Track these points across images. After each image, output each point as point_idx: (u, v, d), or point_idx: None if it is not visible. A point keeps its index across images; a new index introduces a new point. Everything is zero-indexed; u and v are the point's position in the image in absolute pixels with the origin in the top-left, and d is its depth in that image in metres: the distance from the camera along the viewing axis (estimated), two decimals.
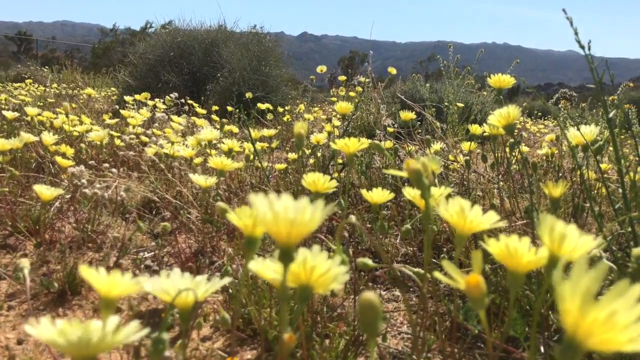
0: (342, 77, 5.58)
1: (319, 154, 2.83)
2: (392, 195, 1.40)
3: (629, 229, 1.36)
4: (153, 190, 2.41)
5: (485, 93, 6.26)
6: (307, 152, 2.85)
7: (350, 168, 1.71)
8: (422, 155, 2.79)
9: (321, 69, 5.54)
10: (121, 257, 1.84)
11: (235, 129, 3.65)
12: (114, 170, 2.29)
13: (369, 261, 0.91)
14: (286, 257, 0.62)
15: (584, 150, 1.56)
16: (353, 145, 1.40)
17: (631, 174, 1.43)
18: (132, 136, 3.15)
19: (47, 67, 14.26)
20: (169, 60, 9.12)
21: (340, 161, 2.73)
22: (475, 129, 2.26)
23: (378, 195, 1.39)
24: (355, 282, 1.41)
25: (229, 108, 5.18)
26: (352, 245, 1.96)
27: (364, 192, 1.43)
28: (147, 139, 3.14)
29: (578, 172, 2.19)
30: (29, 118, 3.60)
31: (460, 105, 4.76)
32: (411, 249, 2.00)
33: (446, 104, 4.97)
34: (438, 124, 3.21)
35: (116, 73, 10.32)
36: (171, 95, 4.99)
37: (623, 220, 1.35)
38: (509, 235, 0.70)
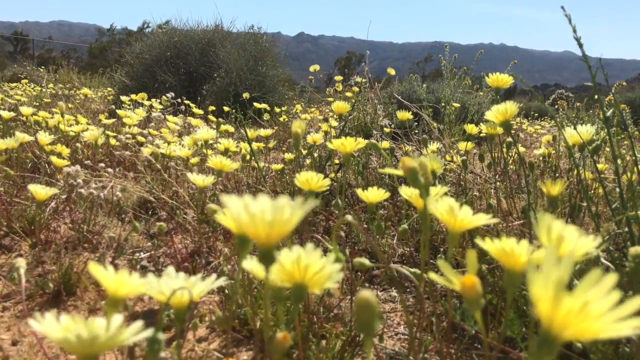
0: (339, 77, 5.58)
1: (315, 154, 2.82)
2: (388, 194, 1.39)
3: (626, 229, 1.35)
4: (149, 190, 2.41)
5: (482, 93, 6.26)
6: (304, 152, 2.85)
7: (347, 168, 1.71)
8: (419, 156, 2.79)
9: (314, 68, 5.54)
10: (117, 258, 1.83)
11: (231, 129, 3.64)
12: (110, 170, 2.29)
13: (366, 261, 0.91)
14: (267, 258, 0.60)
15: (581, 150, 1.56)
16: (350, 144, 1.40)
17: (628, 173, 1.42)
18: (129, 136, 3.14)
19: (43, 67, 14.23)
20: (165, 60, 9.11)
21: (337, 161, 2.73)
22: (471, 128, 2.26)
23: (374, 195, 1.38)
24: (351, 282, 1.41)
25: (226, 108, 5.17)
26: (348, 246, 1.95)
27: (359, 191, 1.42)
28: (143, 139, 3.13)
29: (575, 172, 2.19)
30: (24, 118, 3.59)
31: (457, 105, 4.76)
32: (408, 249, 2.00)
33: (443, 104, 4.97)
34: (435, 124, 3.21)
35: (113, 73, 10.30)
36: (167, 95, 4.98)
37: (620, 220, 1.34)
38: (507, 235, 0.70)
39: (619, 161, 1.36)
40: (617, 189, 1.35)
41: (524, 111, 12.51)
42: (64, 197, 2.11)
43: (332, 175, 2.39)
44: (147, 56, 9.31)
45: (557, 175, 2.38)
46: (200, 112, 4.83)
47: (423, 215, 0.95)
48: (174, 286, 0.71)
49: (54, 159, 2.19)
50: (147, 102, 4.77)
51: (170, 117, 3.63)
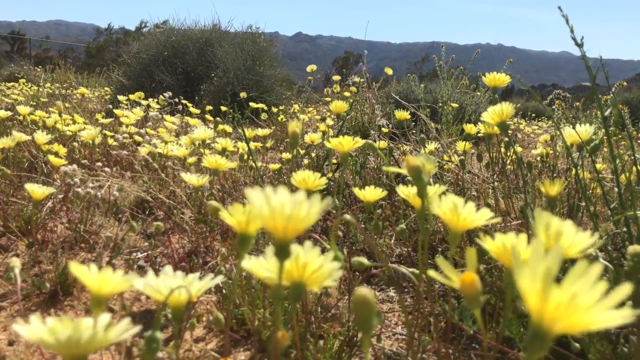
0: (336, 77, 5.57)
1: (313, 154, 2.82)
2: (385, 193, 1.39)
3: (624, 229, 1.35)
4: (146, 190, 2.40)
5: (479, 93, 6.27)
6: (302, 152, 2.84)
7: (344, 168, 1.70)
8: (417, 155, 2.79)
9: (311, 68, 5.53)
10: (114, 258, 1.83)
11: (229, 129, 3.64)
12: (107, 169, 2.28)
13: (364, 260, 0.91)
14: (282, 253, 0.61)
15: (579, 149, 1.56)
16: (347, 144, 1.40)
17: (626, 173, 1.42)
18: (126, 135, 3.13)
19: (40, 66, 14.20)
20: (163, 59, 9.10)
21: (334, 161, 2.73)
22: (470, 128, 2.26)
23: (371, 194, 1.38)
24: (349, 282, 1.40)
25: (223, 108, 5.17)
26: (346, 246, 1.95)
27: (356, 190, 1.42)
28: (140, 139, 3.13)
29: (573, 172, 2.19)
30: (21, 117, 3.58)
31: (455, 105, 4.77)
32: (406, 249, 2.00)
33: (440, 104, 4.97)
34: (432, 124, 3.21)
35: (110, 73, 10.28)
36: (165, 94, 4.97)
37: (618, 220, 1.34)
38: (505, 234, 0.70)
39: (617, 161, 1.36)
40: (616, 189, 1.35)
41: (521, 111, 12.52)
42: (60, 196, 2.11)
43: (330, 175, 2.39)
44: (144, 56, 9.30)
45: (554, 175, 2.38)
46: (198, 111, 4.82)
47: (421, 214, 0.95)
48: (172, 285, 0.70)
49: (51, 158, 2.18)
50: (144, 102, 4.76)
51: (167, 117, 3.63)
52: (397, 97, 4.07)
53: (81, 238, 2.01)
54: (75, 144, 2.92)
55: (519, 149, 2.46)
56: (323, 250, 0.68)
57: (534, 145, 4.84)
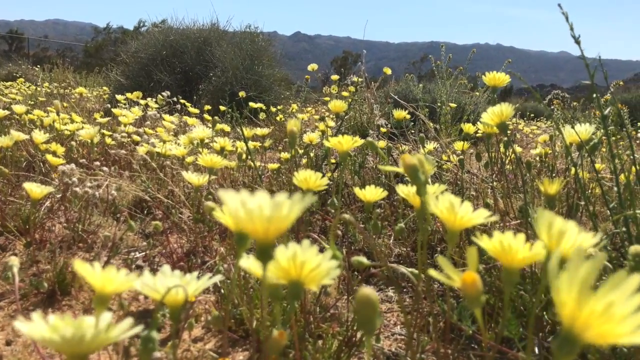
0: (335, 77, 5.57)
1: (311, 154, 2.82)
2: (385, 193, 1.39)
3: (623, 229, 1.35)
4: (144, 189, 2.39)
5: (477, 93, 6.27)
6: (300, 151, 2.84)
7: (343, 167, 1.70)
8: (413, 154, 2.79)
9: (312, 67, 5.53)
10: (112, 257, 1.82)
11: (227, 128, 3.63)
12: (105, 169, 2.27)
13: (364, 259, 0.90)
14: (265, 254, 0.60)
15: (579, 149, 1.55)
16: (347, 143, 1.39)
17: (625, 172, 1.42)
18: (124, 135, 3.13)
19: (38, 66, 14.17)
20: (161, 59, 9.09)
21: (333, 161, 2.72)
22: (468, 127, 2.26)
23: (371, 193, 1.38)
24: (348, 281, 1.40)
25: (222, 107, 5.16)
26: (345, 245, 1.94)
27: (356, 190, 1.41)
28: (138, 138, 3.12)
29: (572, 172, 2.19)
30: (19, 116, 3.57)
31: (453, 105, 4.76)
32: (404, 249, 1.99)
33: (439, 104, 4.97)
34: (431, 124, 3.21)
35: (108, 72, 10.27)
36: (163, 93, 4.96)
37: (617, 220, 1.34)
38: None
39: (616, 160, 1.36)
40: (615, 189, 1.35)
41: (520, 112, 12.53)
42: (58, 196, 2.10)
43: (329, 174, 2.39)
44: (142, 55, 9.29)
45: (553, 174, 2.38)
46: (196, 111, 4.81)
47: (421, 213, 0.94)
48: (169, 284, 0.70)
49: (49, 157, 2.18)
50: (142, 101, 4.76)
51: (166, 116, 3.62)
52: (395, 97, 4.07)
53: (79, 237, 2.00)
54: (74, 143, 2.92)
55: (517, 149, 2.46)
56: (322, 250, 0.68)
57: (532, 146, 4.84)
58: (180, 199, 2.25)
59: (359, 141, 1.41)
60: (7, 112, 3.31)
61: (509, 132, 1.47)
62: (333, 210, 1.53)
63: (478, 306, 0.62)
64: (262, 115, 5.28)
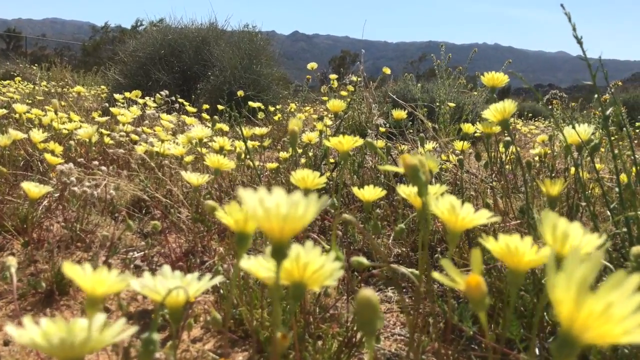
0: (333, 76, 5.56)
1: (310, 153, 2.81)
2: (384, 192, 1.38)
3: (624, 229, 1.35)
4: (143, 188, 2.39)
5: (476, 93, 6.26)
6: (299, 151, 2.83)
7: (343, 167, 1.69)
8: (414, 153, 2.78)
9: (312, 66, 5.52)
10: (110, 257, 1.81)
11: (226, 128, 3.62)
12: (103, 168, 2.26)
13: (364, 260, 0.90)
14: (279, 253, 0.59)
15: (578, 149, 1.55)
16: (347, 143, 1.39)
17: (627, 172, 1.42)
18: (122, 134, 3.12)
19: (36, 65, 14.14)
20: (159, 58, 9.07)
21: (332, 160, 2.71)
22: (468, 127, 2.25)
23: (370, 193, 1.37)
24: (348, 282, 1.39)
25: (220, 107, 5.15)
26: (344, 245, 1.94)
27: (355, 189, 1.41)
28: (137, 137, 3.11)
29: (572, 171, 2.18)
30: (17, 115, 3.56)
31: (452, 105, 4.76)
32: (404, 249, 1.99)
33: (438, 103, 4.96)
34: (430, 123, 3.20)
35: (106, 71, 10.25)
36: (161, 93, 4.95)
37: (618, 221, 1.34)
38: (504, 235, 0.69)
39: (617, 161, 1.36)
40: (617, 189, 1.35)
41: (518, 111, 12.53)
42: (56, 195, 2.09)
43: (328, 174, 2.38)
44: (141, 54, 9.27)
45: (553, 174, 2.38)
46: (194, 110, 4.80)
47: (422, 214, 0.94)
48: (170, 285, 0.69)
49: (47, 156, 2.17)
50: (140, 100, 4.75)
51: (164, 115, 3.61)
52: (394, 97, 4.06)
53: (77, 237, 1.99)
54: (72, 142, 2.91)
55: (515, 148, 2.45)
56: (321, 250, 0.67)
57: (531, 145, 4.84)
58: (178, 198, 2.24)
59: (359, 141, 1.40)
60: (5, 111, 3.30)
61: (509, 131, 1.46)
62: (332, 210, 1.53)
63: (483, 309, 0.62)
64: (260, 115, 5.27)
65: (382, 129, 3.18)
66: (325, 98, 5.18)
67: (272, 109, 6.06)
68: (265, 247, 0.69)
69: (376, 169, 2.66)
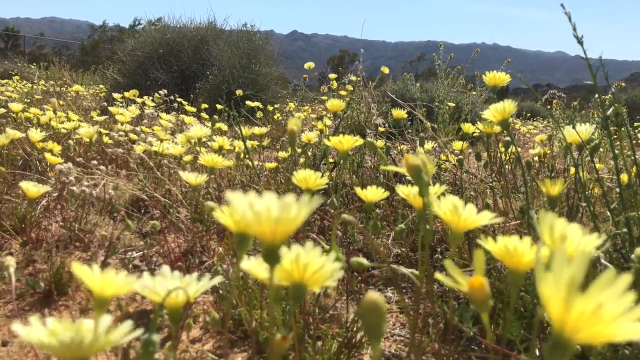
0: (333, 75, 5.55)
1: (309, 153, 2.80)
2: (387, 193, 1.38)
3: (624, 230, 1.34)
4: (142, 188, 2.38)
5: (474, 93, 6.26)
6: (298, 151, 2.83)
7: (343, 167, 1.69)
8: (414, 154, 2.78)
9: (309, 65, 5.51)
10: (109, 257, 1.81)
11: (224, 127, 3.62)
12: (102, 167, 2.26)
13: (364, 260, 0.89)
14: (271, 257, 0.59)
15: (579, 149, 1.55)
16: (347, 142, 1.38)
17: (627, 172, 1.41)
18: (121, 133, 3.11)
19: (34, 64, 14.11)
20: (158, 57, 9.06)
21: (331, 160, 2.71)
22: (468, 127, 2.25)
23: (372, 194, 1.37)
24: (347, 282, 1.39)
25: (219, 106, 5.15)
26: (344, 245, 1.93)
27: (357, 190, 1.40)
28: (135, 137, 3.11)
29: (572, 172, 2.18)
30: (15, 115, 3.55)
31: (451, 105, 4.75)
32: (403, 249, 1.99)
33: (437, 103, 4.95)
34: (429, 123, 3.20)
35: (104, 70, 10.24)
36: (160, 92, 4.94)
37: (618, 221, 1.33)
38: (504, 235, 0.68)
39: (618, 161, 1.35)
40: (617, 189, 1.34)
41: (516, 111, 12.56)
42: (55, 194, 2.09)
43: (327, 174, 2.38)
44: (139, 53, 9.26)
45: (552, 175, 2.38)
46: (193, 109, 4.80)
47: (422, 215, 0.93)
48: (169, 286, 0.69)
49: (47, 156, 2.16)
50: (139, 100, 4.74)
51: (163, 115, 3.60)
52: (393, 96, 4.06)
53: (76, 237, 1.99)
54: (71, 141, 2.90)
55: (514, 148, 2.44)
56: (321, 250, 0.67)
57: (530, 145, 4.84)
58: (177, 198, 2.24)
59: (359, 141, 1.40)
60: (3, 110, 3.30)
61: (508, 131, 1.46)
62: (332, 210, 1.52)
63: (485, 311, 0.61)
64: (259, 114, 5.26)
65: (381, 129, 3.18)
66: (324, 98, 5.18)
67: (270, 108, 6.05)
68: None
69: (375, 169, 2.65)
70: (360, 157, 2.65)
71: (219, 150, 2.16)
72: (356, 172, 2.60)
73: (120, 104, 4.67)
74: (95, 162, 2.39)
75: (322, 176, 1.28)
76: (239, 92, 5.65)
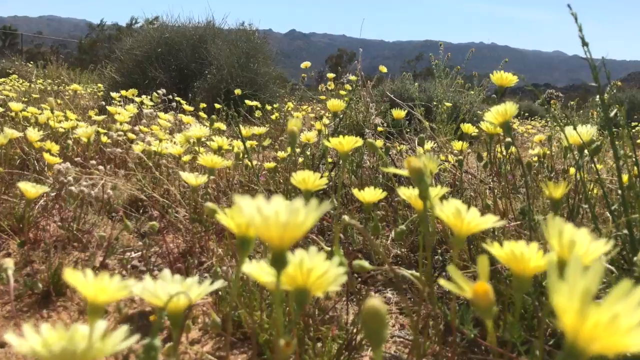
0: (331, 75, 5.55)
1: (308, 153, 2.80)
2: (384, 194, 1.37)
3: (625, 231, 1.34)
4: (140, 188, 2.37)
5: (473, 92, 6.26)
6: (297, 151, 2.82)
7: (343, 168, 1.68)
8: (412, 155, 2.77)
9: (305, 65, 5.51)
10: (107, 257, 1.80)
11: (223, 127, 3.61)
12: (100, 167, 2.25)
13: (365, 264, 0.89)
14: (279, 262, 0.58)
15: (580, 150, 1.54)
16: (348, 143, 1.37)
17: (626, 174, 1.41)
18: (120, 133, 3.10)
19: (32, 62, 14.09)
20: (156, 56, 9.04)
21: (330, 160, 2.70)
22: (468, 128, 2.24)
23: (370, 195, 1.36)
24: (347, 284, 1.38)
25: (217, 105, 5.14)
26: (343, 246, 1.93)
27: (355, 191, 1.40)
28: (134, 136, 3.10)
29: (571, 172, 2.17)
30: (13, 114, 3.54)
31: (449, 104, 4.75)
32: (403, 250, 1.98)
33: (435, 103, 4.96)
34: (427, 123, 3.20)
35: (102, 69, 10.22)
36: (159, 91, 4.93)
37: (619, 223, 1.33)
38: (504, 237, 0.68)
39: (620, 162, 1.35)
40: (619, 191, 1.34)
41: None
42: (53, 194, 2.08)
43: (326, 174, 2.37)
44: (137, 52, 9.23)
45: (552, 175, 2.37)
46: (191, 109, 4.79)
47: (423, 217, 0.93)
48: (171, 290, 0.68)
49: (46, 156, 2.15)
50: (137, 99, 4.73)
51: (161, 114, 3.59)
52: (391, 96, 4.06)
53: (74, 237, 1.98)
54: (69, 141, 2.89)
55: (514, 149, 2.44)
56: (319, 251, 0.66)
57: (528, 145, 4.84)
58: (176, 198, 2.23)
59: (360, 142, 1.39)
60: (0, 109, 3.28)
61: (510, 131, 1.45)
62: (332, 211, 1.52)
63: (490, 318, 0.61)
64: (257, 113, 5.25)
65: (380, 129, 3.17)
66: (323, 97, 5.18)
67: (269, 107, 6.04)
68: (265, 249, 0.68)
69: (375, 169, 2.65)
70: (359, 157, 2.65)
71: (218, 150, 2.16)
72: (355, 173, 2.59)
73: (119, 103, 4.65)
74: (94, 162, 2.39)
75: (322, 177, 1.27)
76: (237, 91, 5.64)
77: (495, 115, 1.36)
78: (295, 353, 0.99)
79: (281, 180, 2.64)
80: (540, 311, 1.25)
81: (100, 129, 3.15)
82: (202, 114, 4.91)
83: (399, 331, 1.52)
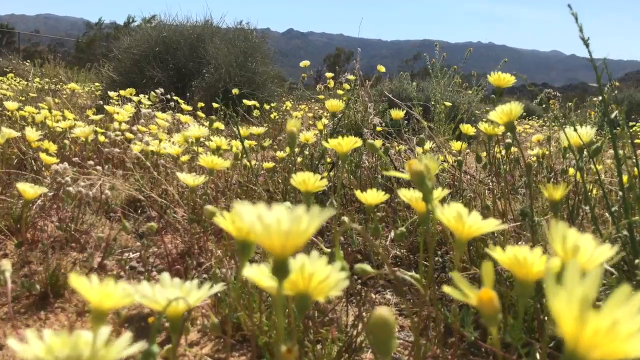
0: (329, 74, 5.53)
1: (306, 153, 2.79)
2: (387, 196, 1.36)
3: (625, 232, 1.33)
4: (138, 188, 2.36)
5: (470, 92, 6.26)
6: (296, 151, 2.81)
7: (342, 168, 1.68)
8: (411, 155, 2.76)
9: (304, 63, 5.49)
10: (106, 258, 1.79)
11: (221, 126, 3.60)
12: (98, 167, 2.24)
13: (367, 267, 0.88)
14: (281, 271, 0.56)
15: (579, 151, 1.54)
16: (347, 144, 1.37)
17: (627, 175, 1.41)
18: (117, 133, 3.09)
19: (29, 61, 14.05)
20: (154, 55, 9.02)
21: (329, 160, 2.69)
22: (467, 128, 2.24)
23: (372, 197, 1.35)
24: (347, 286, 1.38)
25: (215, 105, 5.12)
26: (343, 248, 1.92)
27: (357, 193, 1.39)
28: (132, 136, 3.09)
29: (571, 173, 2.17)
30: (10, 113, 3.52)
31: (448, 104, 4.75)
32: (403, 251, 1.97)
33: (433, 102, 4.95)
34: (425, 122, 3.19)
35: (100, 68, 10.19)
36: (157, 90, 4.92)
37: (620, 225, 1.32)
38: (503, 238, 0.67)
39: (621, 163, 1.34)
40: (620, 192, 1.33)
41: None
42: (50, 195, 2.07)
43: (325, 174, 2.36)
44: (135, 51, 9.22)
45: (551, 176, 2.37)
46: (189, 108, 4.77)
47: (425, 220, 0.92)
48: (169, 295, 0.67)
49: (43, 156, 2.14)
50: (135, 98, 4.71)
51: (159, 114, 3.58)
52: (390, 96, 4.05)
53: (72, 237, 1.97)
54: (67, 141, 2.88)
55: (513, 149, 2.44)
56: (318, 252, 0.66)
57: (526, 145, 4.83)
58: (174, 198, 2.22)
59: (359, 142, 1.38)
60: None
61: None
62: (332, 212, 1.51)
63: (495, 325, 0.60)
64: (255, 113, 5.24)
65: (378, 128, 3.16)
66: (321, 97, 5.17)
67: (267, 107, 6.03)
68: (267, 254, 0.67)
69: (374, 169, 2.64)
70: (359, 157, 2.64)
71: (217, 150, 2.15)
72: (354, 173, 2.58)
73: (116, 103, 4.64)
74: (91, 162, 2.38)
75: (322, 178, 1.26)
76: (235, 90, 5.63)
77: (500, 115, 1.35)
78: (295, 356, 0.98)
79: (280, 181, 2.63)
80: (541, 313, 1.25)
81: (98, 129, 3.14)
82: (200, 113, 4.89)
83: (398, 333, 1.51)
